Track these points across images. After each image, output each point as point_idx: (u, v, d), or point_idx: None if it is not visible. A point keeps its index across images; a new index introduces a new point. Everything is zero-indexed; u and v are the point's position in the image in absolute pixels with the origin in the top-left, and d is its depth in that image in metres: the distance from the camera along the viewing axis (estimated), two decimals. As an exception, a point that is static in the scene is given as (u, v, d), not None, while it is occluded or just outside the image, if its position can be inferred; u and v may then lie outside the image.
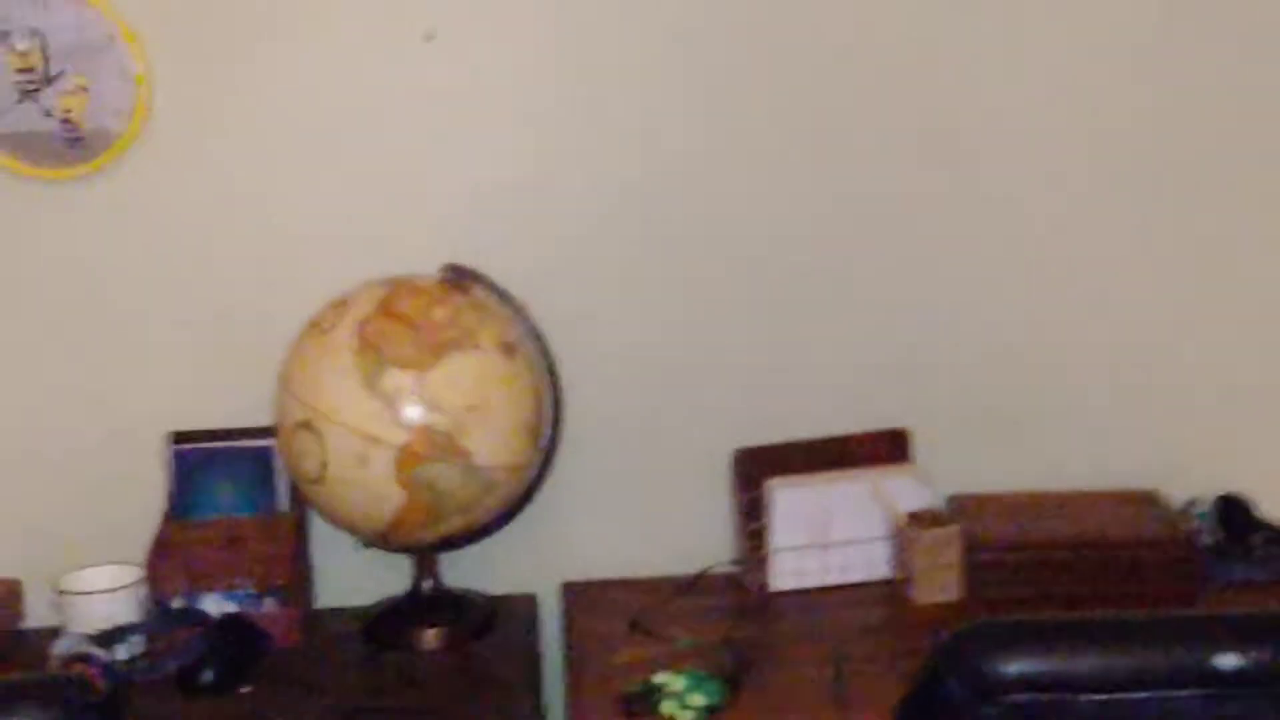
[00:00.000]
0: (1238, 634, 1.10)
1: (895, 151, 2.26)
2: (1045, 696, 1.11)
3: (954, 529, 2.17)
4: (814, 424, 2.30)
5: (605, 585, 2.28)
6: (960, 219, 2.30)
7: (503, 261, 2.16)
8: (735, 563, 2.28)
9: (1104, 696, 1.10)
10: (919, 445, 2.31)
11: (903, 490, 2.22)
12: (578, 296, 2.25)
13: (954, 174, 2.28)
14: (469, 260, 2.12)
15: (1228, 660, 1.09)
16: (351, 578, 2.26)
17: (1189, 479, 2.33)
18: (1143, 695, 1.10)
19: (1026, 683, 1.11)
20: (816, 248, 2.30)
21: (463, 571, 2.26)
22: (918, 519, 2.19)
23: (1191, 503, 2.31)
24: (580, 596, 2.25)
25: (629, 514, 2.34)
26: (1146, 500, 2.30)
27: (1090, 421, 2.37)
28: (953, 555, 2.17)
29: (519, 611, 2.23)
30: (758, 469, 2.25)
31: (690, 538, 2.31)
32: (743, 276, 2.29)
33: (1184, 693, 1.09)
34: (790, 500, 2.20)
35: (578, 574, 2.31)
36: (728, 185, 2.26)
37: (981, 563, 2.17)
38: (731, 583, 2.26)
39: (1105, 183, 2.30)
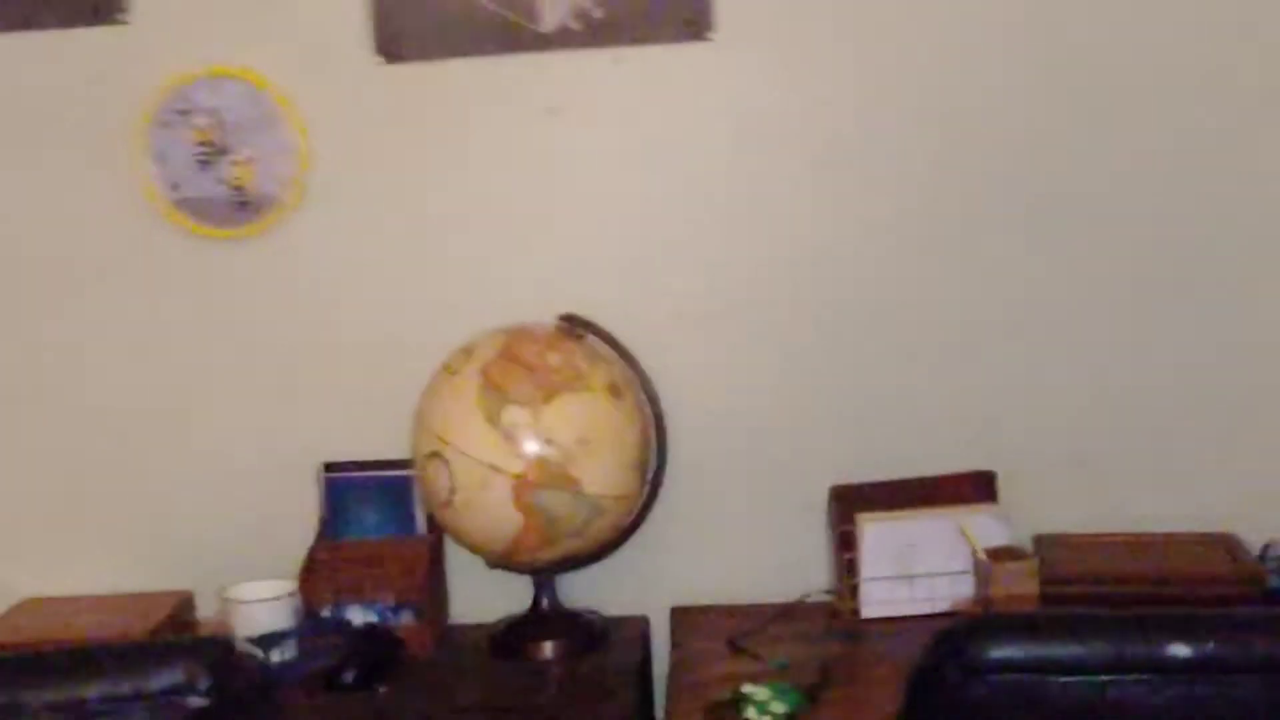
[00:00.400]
0: (1186, 629, 1.27)
1: (987, 213, 2.43)
2: (1024, 677, 1.29)
3: (1031, 563, 2.31)
4: (908, 465, 2.46)
5: (710, 610, 2.47)
6: (1046, 275, 2.45)
7: (621, 314, 2.39)
8: (830, 591, 2.46)
9: (1071, 678, 1.28)
10: (1008, 487, 2.45)
11: (984, 527, 2.37)
12: (689, 347, 2.47)
13: (1040, 234, 2.44)
14: (580, 310, 2.36)
15: (1178, 650, 1.26)
16: (483, 596, 2.50)
17: (1270, 523, 2.42)
18: (1104, 678, 1.27)
19: (1008, 666, 1.29)
20: (910, 302, 2.48)
21: (581, 594, 2.49)
22: (997, 554, 2.33)
23: (1268, 545, 2.39)
24: (686, 619, 2.45)
25: (735, 545, 2.53)
26: (1224, 543, 2.41)
27: (1174, 466, 2.48)
28: (1030, 588, 2.30)
29: (630, 631, 2.44)
30: (852, 505, 2.43)
31: (792, 567, 2.49)
32: (839, 327, 2.48)
33: (1139, 676, 1.27)
34: (878, 534, 2.37)
35: (687, 599, 2.51)
36: (827, 244, 2.46)
37: (1057, 596, 2.30)
38: (826, 609, 2.44)
39: (1182, 245, 2.43)
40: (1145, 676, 1.27)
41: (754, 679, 2.14)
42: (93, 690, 1.33)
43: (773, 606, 2.44)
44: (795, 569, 2.49)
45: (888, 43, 2.41)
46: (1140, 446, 2.49)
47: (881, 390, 2.50)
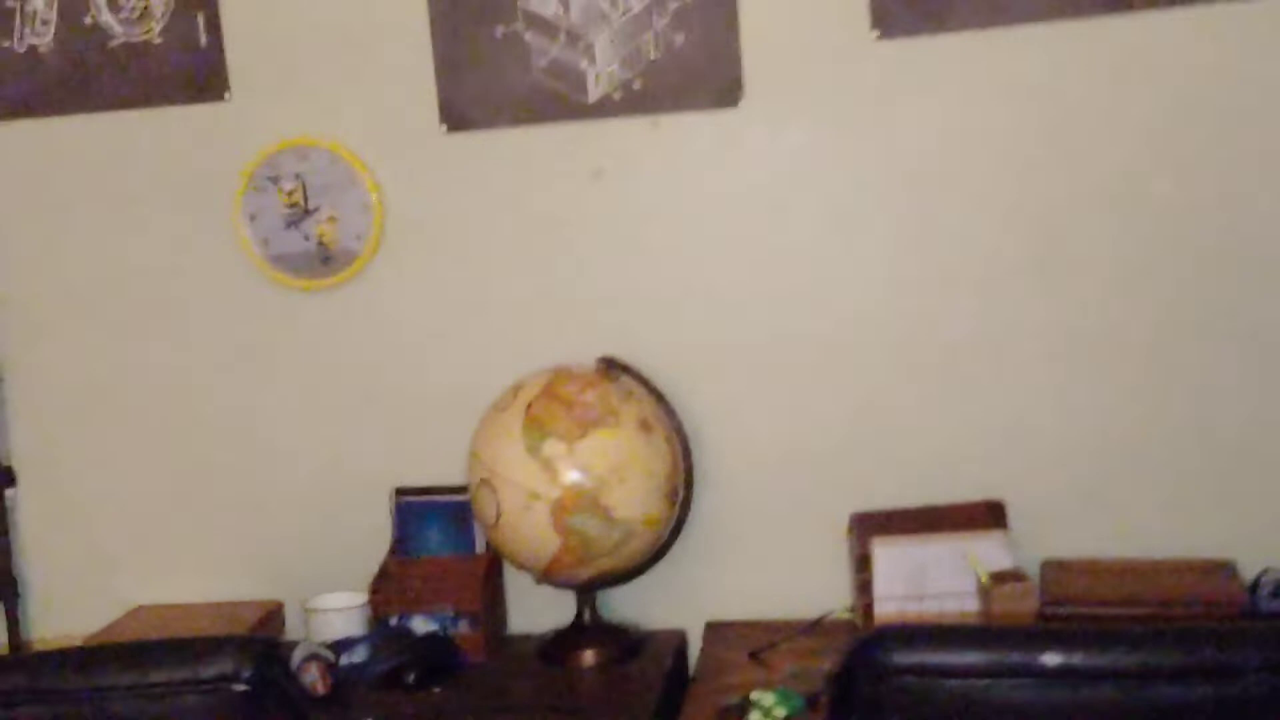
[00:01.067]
0: (1060, 641, 1.49)
1: (1001, 258, 2.64)
2: (921, 680, 1.52)
3: (1030, 585, 2.51)
4: (926, 493, 2.68)
5: (741, 625, 2.71)
6: (1058, 317, 2.64)
7: (657, 355, 2.67)
8: (850, 609, 2.68)
9: (961, 681, 1.51)
10: (1019, 514, 2.65)
11: (990, 552, 2.57)
12: (720, 384, 2.72)
13: (1051, 277, 2.63)
14: (620, 352, 2.63)
15: (1051, 658, 1.48)
16: (538, 610, 2.77)
17: (1266, 550, 2.58)
18: (986, 681, 1.50)
19: (908, 670, 1.53)
20: (928, 341, 2.69)
21: (625, 609, 2.75)
22: (1000, 577, 2.54)
23: (1263, 572, 2.55)
24: (718, 633, 2.70)
25: (766, 566, 2.76)
26: (1222, 569, 2.57)
27: (1179, 496, 2.64)
28: (1029, 607, 2.50)
29: (667, 643, 2.69)
30: (871, 530, 2.66)
31: (819, 587, 2.72)
32: (860, 364, 2.70)
33: (1019, 680, 1.49)
34: (890, 557, 2.59)
35: (721, 615, 2.75)
36: (848, 288, 2.69)
37: (1055, 615, 2.49)
38: (846, 626, 2.66)
39: (1189, 286, 2.60)
40: (1021, 681, 1.49)
41: (766, 687, 2.37)
42: (155, 676, 1.63)
43: (798, 623, 2.67)
44: (821, 589, 2.71)
45: (896, 110, 2.64)
46: (1147, 477, 2.66)
47: (901, 423, 2.71)
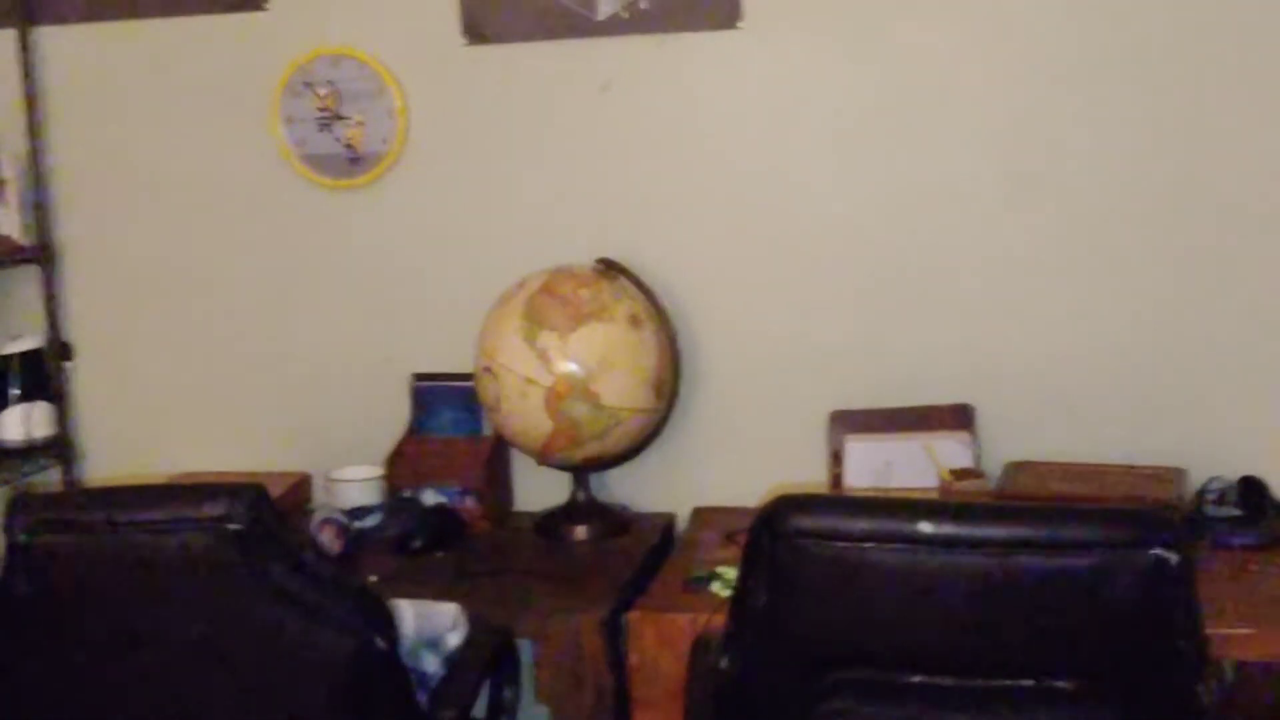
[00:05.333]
0: (935, 512, 1.71)
1: (975, 177, 2.81)
2: (814, 542, 1.75)
3: (983, 482, 2.71)
4: (901, 395, 2.87)
5: (725, 510, 2.93)
6: (1028, 233, 2.82)
7: (656, 259, 2.88)
8: (824, 499, 2.90)
9: (849, 544, 1.73)
10: (989, 420, 2.85)
11: (952, 451, 2.76)
12: (712, 288, 2.93)
13: (1021, 195, 2.80)
14: (623, 255, 2.84)
15: (926, 527, 1.70)
16: (541, 489, 3.01)
17: (1219, 461, 2.76)
18: (870, 545, 1.72)
19: (803, 533, 1.75)
20: (908, 254, 2.87)
21: (621, 492, 2.99)
22: (959, 474, 2.74)
23: (1212, 480, 2.72)
24: (702, 517, 2.92)
25: (750, 458, 2.97)
26: (1173, 476, 2.74)
27: (1142, 405, 2.81)
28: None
29: (656, 524, 2.93)
30: (847, 427, 2.87)
31: (798, 479, 2.93)
32: (845, 273, 2.89)
33: (899, 545, 1.71)
34: (858, 451, 2.80)
35: (709, 501, 2.97)
36: (834, 203, 2.87)
37: (1008, 510, 2.69)
38: (820, 515, 2.87)
39: (1157, 205, 2.76)
40: (900, 546, 1.71)
41: (732, 563, 2.59)
42: (162, 513, 1.90)
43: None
44: (801, 480, 2.93)
45: (887, 35, 2.81)
46: (1110, 389, 2.83)
47: (883, 329, 2.90)
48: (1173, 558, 1.66)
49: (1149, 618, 1.70)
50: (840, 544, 1.73)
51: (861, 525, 1.72)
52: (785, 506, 1.75)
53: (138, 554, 1.89)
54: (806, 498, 1.73)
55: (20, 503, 1.92)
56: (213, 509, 1.87)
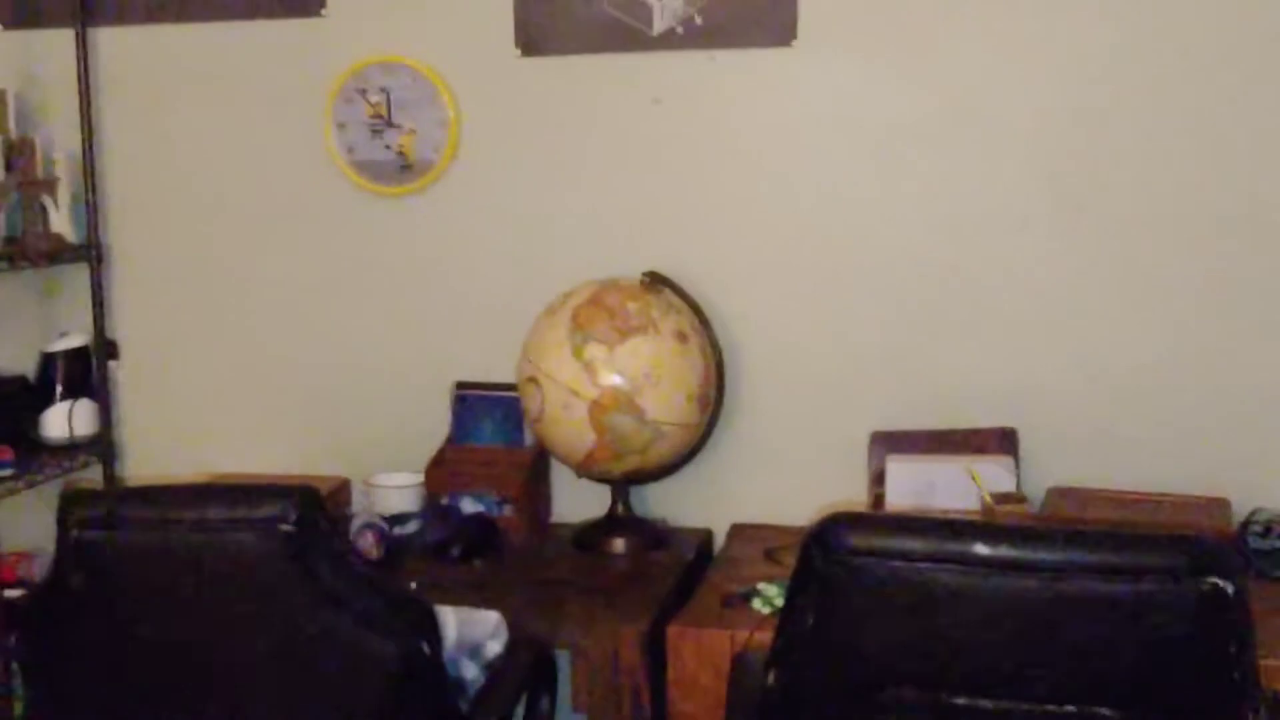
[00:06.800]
0: (991, 534, 1.70)
1: (1022, 203, 2.81)
2: (867, 561, 1.74)
3: (1025, 506, 2.70)
4: (944, 417, 2.87)
5: (763, 527, 2.94)
6: (1077, 262, 2.81)
7: (702, 273, 2.88)
8: (863, 520, 2.89)
9: (903, 564, 1.73)
10: (1033, 445, 2.83)
11: (994, 474, 2.76)
12: (758, 304, 2.93)
13: (1067, 224, 2.80)
14: (669, 268, 2.85)
15: (982, 549, 1.69)
16: (580, 502, 3.01)
17: (1262, 492, 2.75)
18: (925, 565, 1.72)
19: (855, 551, 1.74)
20: (954, 276, 2.87)
21: (659, 506, 2.99)
22: (1001, 497, 2.73)
23: (1256, 511, 2.71)
24: (741, 533, 2.93)
25: (791, 476, 2.98)
26: (1215, 506, 2.74)
27: (1186, 434, 2.80)
28: (1026, 528, 2.70)
29: (693, 539, 2.93)
30: (888, 447, 2.86)
31: (838, 499, 2.92)
32: (889, 295, 2.88)
33: (954, 567, 1.71)
34: (900, 472, 2.80)
35: (748, 518, 2.98)
36: (881, 222, 2.88)
37: (1050, 536, 2.68)
38: (859, 535, 2.87)
39: (1197, 233, 2.76)
40: (955, 567, 1.71)
41: (772, 580, 2.60)
42: (214, 513, 1.91)
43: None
44: (840, 500, 2.92)
45: (942, 57, 2.81)
46: (1156, 414, 2.82)
47: (926, 350, 2.90)
48: (1229, 587, 1.65)
49: (1202, 647, 1.69)
50: (892, 563, 1.72)
51: (915, 545, 1.71)
52: (838, 524, 1.75)
53: (189, 552, 1.90)
54: (859, 516, 1.73)
55: (74, 498, 1.93)
56: (265, 509, 1.88)
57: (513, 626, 2.36)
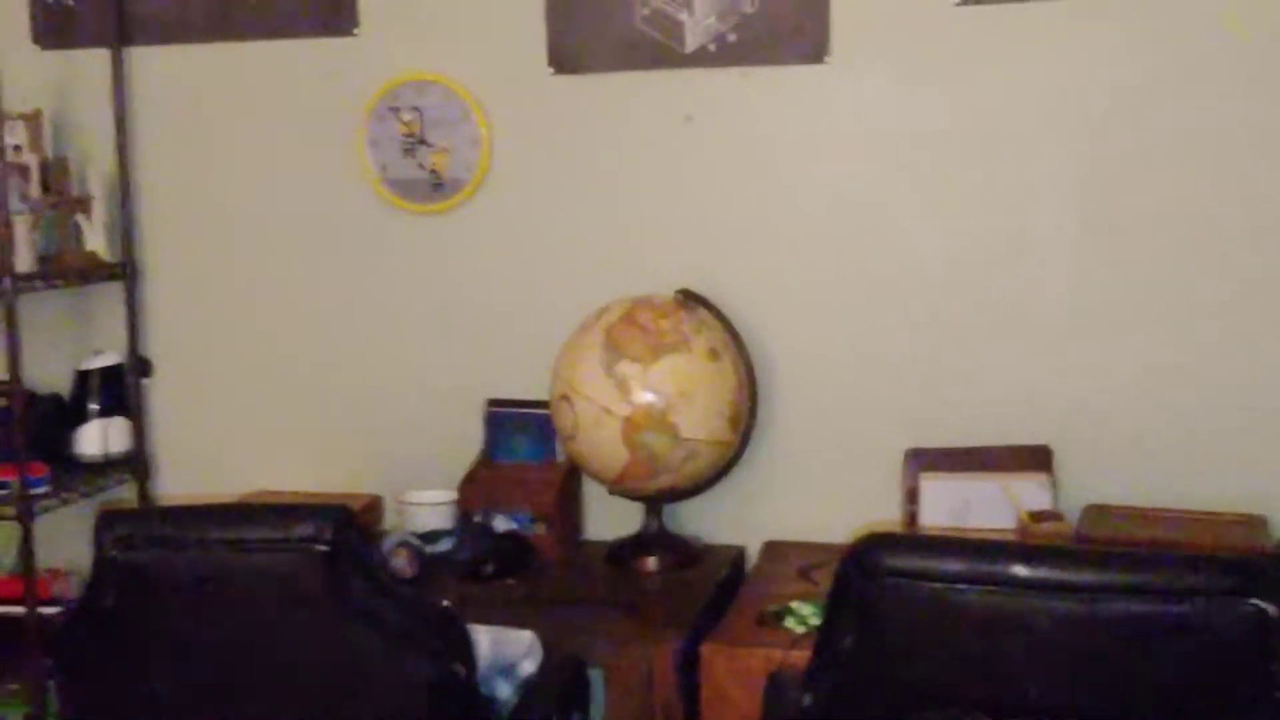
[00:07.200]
0: (1030, 556, 1.69)
1: (1053, 218, 2.80)
2: (906, 582, 1.73)
3: (1064, 525, 2.68)
4: (978, 435, 2.85)
5: (797, 545, 2.92)
6: (1109, 276, 2.80)
7: (735, 291, 2.88)
8: (898, 538, 2.88)
9: (942, 585, 1.72)
10: (1068, 462, 2.82)
11: (1032, 492, 2.74)
12: (790, 322, 2.92)
13: (1098, 237, 2.79)
14: (702, 286, 2.85)
15: (1021, 570, 1.68)
16: (612, 519, 3.01)
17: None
18: (964, 586, 1.70)
19: (894, 572, 1.74)
20: (987, 293, 2.86)
21: (692, 524, 2.98)
22: (1038, 515, 2.71)
23: (1292, 528, 2.70)
24: (775, 550, 2.92)
25: (825, 494, 2.96)
26: (1253, 523, 2.72)
27: (1222, 451, 2.78)
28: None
29: (727, 556, 2.92)
30: (922, 465, 2.85)
31: (871, 517, 2.91)
32: (922, 311, 2.87)
33: (993, 588, 1.70)
34: (934, 490, 2.78)
35: (781, 535, 2.97)
36: (912, 239, 2.87)
37: (1086, 555, 2.66)
38: (893, 553, 2.85)
39: (1232, 248, 2.74)
40: (994, 588, 1.70)
41: (807, 598, 2.59)
42: (250, 533, 1.91)
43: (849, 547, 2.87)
44: (874, 518, 2.90)
45: (971, 75, 2.81)
46: (1192, 432, 2.80)
47: (958, 367, 2.88)
48: (1271, 608, 1.63)
49: (1244, 668, 1.67)
50: (931, 584, 1.71)
51: (954, 566, 1.70)
52: (877, 545, 1.74)
53: (224, 572, 1.90)
54: (898, 536, 1.74)
55: (111, 517, 1.93)
56: (300, 530, 1.88)
57: (545, 645, 2.35)
